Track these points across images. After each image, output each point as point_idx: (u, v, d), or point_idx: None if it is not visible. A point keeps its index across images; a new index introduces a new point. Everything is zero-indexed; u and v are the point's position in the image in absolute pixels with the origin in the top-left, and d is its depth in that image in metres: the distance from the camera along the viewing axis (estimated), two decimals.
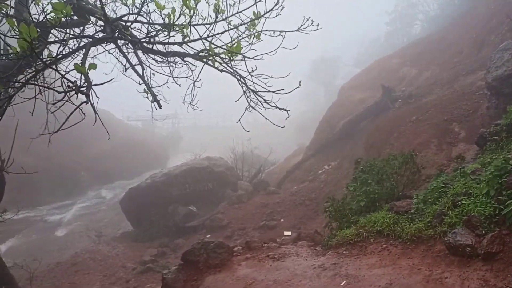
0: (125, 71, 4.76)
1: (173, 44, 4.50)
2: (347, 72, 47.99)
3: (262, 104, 5.08)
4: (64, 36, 4.81)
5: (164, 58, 4.97)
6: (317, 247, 7.79)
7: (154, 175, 21.61)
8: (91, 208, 28.23)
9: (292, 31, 4.66)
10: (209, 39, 4.46)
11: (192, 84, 4.92)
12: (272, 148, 28.29)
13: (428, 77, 21.62)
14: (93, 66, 3.04)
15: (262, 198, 19.32)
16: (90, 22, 5.15)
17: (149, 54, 5.01)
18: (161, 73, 4.91)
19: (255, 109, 5.12)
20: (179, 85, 4.97)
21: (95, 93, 3.11)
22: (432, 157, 11.94)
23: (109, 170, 35.23)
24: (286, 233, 12.65)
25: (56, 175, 29.20)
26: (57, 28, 4.45)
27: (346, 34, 65.39)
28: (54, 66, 3.38)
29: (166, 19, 3.96)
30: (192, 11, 3.80)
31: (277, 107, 5.05)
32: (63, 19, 5.25)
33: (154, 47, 4.88)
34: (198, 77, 4.74)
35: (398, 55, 29.16)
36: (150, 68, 5.26)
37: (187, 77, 4.92)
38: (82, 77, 3.05)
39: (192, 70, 4.97)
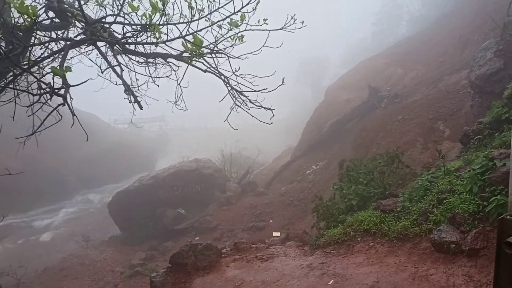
0: (102, 73, 4.79)
1: (148, 44, 4.46)
2: (334, 73, 48.25)
3: (247, 104, 5.07)
4: (41, 38, 4.76)
5: (145, 59, 4.90)
6: (305, 247, 7.80)
7: (142, 178, 21.46)
8: (79, 213, 27.92)
9: (276, 29, 4.65)
10: (188, 38, 4.36)
11: (178, 85, 4.87)
12: (260, 149, 28.49)
13: (413, 77, 21.89)
14: (68, 69, 3.05)
15: (251, 199, 19.33)
16: (72, 24, 5.09)
17: (131, 55, 4.96)
18: (142, 74, 4.88)
19: (242, 108, 5.11)
20: (158, 85, 4.96)
21: (69, 95, 3.07)
22: (418, 155, 12.09)
23: (97, 173, 34.92)
24: (274, 233, 12.67)
25: (43, 179, 28.81)
26: (37, 31, 4.38)
27: (333, 35, 66.02)
28: (32, 69, 3.33)
29: (144, 19, 3.92)
30: (163, 9, 3.76)
31: (261, 107, 5.02)
32: (47, 22, 5.22)
33: (136, 48, 4.85)
34: (182, 78, 4.70)
35: (384, 56, 29.47)
36: (129, 69, 5.23)
37: (167, 77, 4.89)
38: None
39: (175, 71, 4.95)
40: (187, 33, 4.17)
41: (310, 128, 26.61)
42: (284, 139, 40.74)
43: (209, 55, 4.79)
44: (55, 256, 18.21)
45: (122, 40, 4.41)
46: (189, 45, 4.39)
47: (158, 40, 4.08)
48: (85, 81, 3.45)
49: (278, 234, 12.07)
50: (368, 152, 14.36)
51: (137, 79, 5.41)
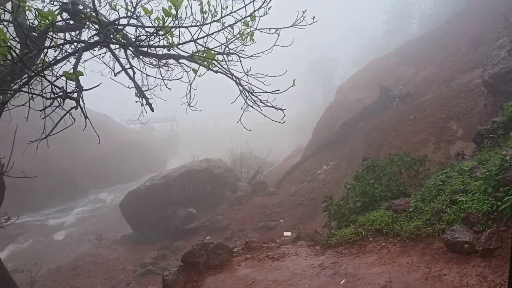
0: (115, 75, 4.81)
1: (161, 47, 4.52)
2: (345, 72, 47.99)
3: (258, 104, 5.12)
4: (56, 40, 4.83)
5: (158, 60, 4.97)
6: (316, 246, 7.80)
7: (153, 178, 21.65)
8: (91, 212, 28.23)
9: (287, 27, 4.69)
10: (199, 41, 4.48)
11: (189, 85, 4.91)
12: (271, 149, 28.47)
13: (425, 76, 21.68)
14: (80, 73, 3.08)
15: (261, 199, 19.36)
16: (86, 26, 5.17)
17: (143, 57, 5.02)
18: (154, 77, 4.95)
19: (254, 108, 5.17)
20: (169, 88, 4.99)
21: (82, 98, 3.11)
22: (430, 155, 11.96)
23: (108, 173, 35.25)
24: (285, 233, 12.66)
25: (56, 179, 29.17)
26: (53, 33, 4.45)
27: (343, 34, 65.51)
28: (45, 72, 3.39)
29: (157, 22, 3.97)
30: (175, 13, 3.80)
31: (272, 107, 5.10)
32: (60, 23, 5.32)
33: (149, 51, 4.91)
34: (194, 78, 4.74)
35: (395, 55, 29.24)
36: (142, 72, 5.29)
37: (178, 79, 4.95)
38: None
39: (187, 72, 4.99)
40: (199, 36, 4.22)
41: (321, 128, 26.58)
42: (294, 139, 40.73)
43: (221, 56, 4.86)
44: (68, 254, 18.46)
45: (135, 43, 4.49)
46: (201, 57, 4.46)
47: (171, 44, 4.12)
48: (97, 85, 3.48)
49: (289, 234, 12.07)
50: (380, 152, 14.28)
51: (148, 82, 5.48)
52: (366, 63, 33.21)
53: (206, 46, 4.57)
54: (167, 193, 20.31)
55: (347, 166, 18.23)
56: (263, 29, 4.63)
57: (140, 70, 5.30)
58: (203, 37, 4.38)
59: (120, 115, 55.21)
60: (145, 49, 4.89)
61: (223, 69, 4.90)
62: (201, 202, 20.41)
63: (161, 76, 5.28)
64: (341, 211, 7.89)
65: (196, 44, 4.51)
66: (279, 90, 4.82)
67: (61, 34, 5.38)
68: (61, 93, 2.94)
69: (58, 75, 4.70)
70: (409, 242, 5.83)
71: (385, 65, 27.96)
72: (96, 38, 4.40)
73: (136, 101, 4.64)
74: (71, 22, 5.34)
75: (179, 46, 4.36)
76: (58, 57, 4.30)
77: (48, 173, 27.22)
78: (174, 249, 16.56)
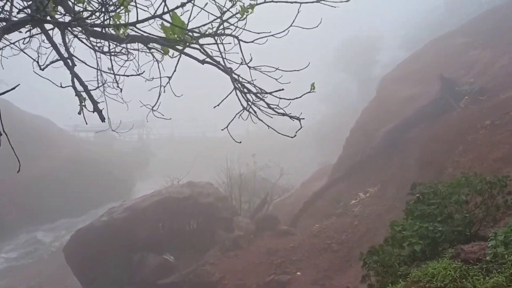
0: (41, 70, 4.55)
1: (110, 26, 4.48)
2: (391, 57, 47.94)
3: (262, 109, 4.93)
4: None
5: (118, 45, 4.92)
6: None
7: (113, 210, 21.63)
8: (23, 259, 28.19)
9: (311, 1, 4.64)
10: (165, 17, 4.37)
11: (166, 80, 4.90)
12: (284, 168, 28.32)
13: (506, 64, 21.67)
14: None
15: (270, 242, 19.26)
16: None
17: (95, 39, 4.96)
18: (111, 73, 4.91)
19: (254, 115, 4.95)
20: (147, 80, 4.94)
21: None
22: None
23: (48, 203, 35.10)
24: None
25: None
26: None
27: (389, 5, 65.75)
28: None
29: None
30: None
31: (285, 115, 4.88)
32: None
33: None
34: (174, 70, 4.74)
35: (463, 32, 29.30)
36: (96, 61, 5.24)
37: (154, 77, 4.90)
38: None
39: (159, 62, 4.99)
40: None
41: (356, 138, 26.49)
42: (317, 154, 40.75)
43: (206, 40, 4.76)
44: None
45: (73, 22, 4.39)
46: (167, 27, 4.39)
47: (124, 22, 4.09)
48: (13, 88, 3.39)
49: None
50: (441, 173, 14.17)
51: (101, 74, 5.40)
52: (422, 45, 33.20)
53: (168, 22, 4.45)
54: (133, 232, 20.23)
55: (394, 194, 18.04)
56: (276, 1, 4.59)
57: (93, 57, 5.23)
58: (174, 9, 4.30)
59: (66, 119, 55.30)
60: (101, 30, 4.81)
61: (212, 58, 4.80)
62: (182, 245, 20.30)
63: (113, 66, 5.19)
64: (385, 260, 7.80)
65: (163, 21, 4.42)
66: (300, 96, 4.69)
67: None
68: None
69: None
70: None
71: (448, 47, 28.00)
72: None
73: (79, 105, 4.46)
74: None
75: (137, 26, 4.34)
76: None
77: None
78: None
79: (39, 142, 35.24)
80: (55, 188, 36.28)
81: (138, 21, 4.27)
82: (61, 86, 4.51)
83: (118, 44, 4.86)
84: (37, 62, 4.90)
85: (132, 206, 21.49)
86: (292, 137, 4.83)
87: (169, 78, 4.94)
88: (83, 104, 4.34)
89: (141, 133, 61.31)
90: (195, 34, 4.59)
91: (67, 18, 4.65)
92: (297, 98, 4.57)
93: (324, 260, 16.85)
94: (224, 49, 4.72)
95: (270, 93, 4.70)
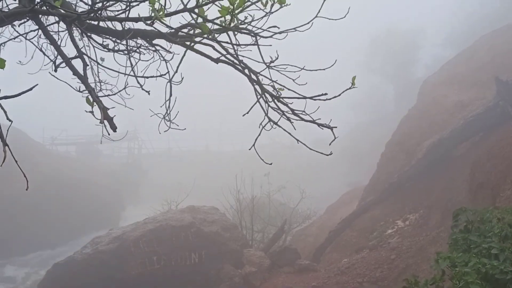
0: (55, 70, 4.37)
1: (129, 20, 4.33)
2: (435, 56, 45.22)
3: (286, 115, 4.60)
4: None
5: (120, 41, 4.79)
6: None
7: (97, 241, 20.91)
8: None
9: None
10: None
11: (169, 83, 4.67)
12: (305, 191, 27.41)
13: None
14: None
15: (288, 280, 18.54)
16: None
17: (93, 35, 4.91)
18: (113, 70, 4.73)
19: (275, 124, 4.65)
20: (148, 92, 4.67)
21: None
22: None
23: (19, 233, 33.63)
24: None
25: None
26: None
27: None
28: None
29: None
30: None
31: (314, 122, 4.46)
32: None
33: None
34: (176, 70, 4.51)
35: None
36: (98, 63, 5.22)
37: (161, 76, 4.64)
38: None
39: (166, 61, 4.75)
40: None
41: (392, 154, 25.81)
42: (345, 173, 40.00)
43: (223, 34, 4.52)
44: None
45: (87, 14, 4.13)
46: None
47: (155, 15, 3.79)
48: (31, 89, 3.31)
49: None
50: (497, 197, 13.43)
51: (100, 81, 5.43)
52: (473, 41, 32.08)
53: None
54: (122, 267, 19.40)
55: (440, 223, 17.29)
56: None
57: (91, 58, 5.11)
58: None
59: (42, 130, 53.05)
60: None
61: (228, 56, 4.48)
62: (182, 283, 19.56)
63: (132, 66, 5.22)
64: None
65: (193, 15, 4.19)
66: (326, 94, 4.29)
67: None
68: None
69: None
70: None
71: (505, 44, 26.79)
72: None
73: (87, 111, 4.03)
74: None
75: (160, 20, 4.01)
76: None
77: None
78: None
79: (8, 158, 33.70)
80: (27, 214, 34.66)
81: (169, 14, 4.00)
82: (79, 91, 4.35)
83: (118, 41, 4.83)
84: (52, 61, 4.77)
85: (121, 235, 20.64)
86: (328, 155, 4.38)
87: (181, 79, 4.77)
88: (91, 111, 3.98)
89: (131, 147, 58.05)
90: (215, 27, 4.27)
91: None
92: (335, 97, 4.30)
93: None
94: (239, 45, 4.51)
95: (312, 97, 4.30)
